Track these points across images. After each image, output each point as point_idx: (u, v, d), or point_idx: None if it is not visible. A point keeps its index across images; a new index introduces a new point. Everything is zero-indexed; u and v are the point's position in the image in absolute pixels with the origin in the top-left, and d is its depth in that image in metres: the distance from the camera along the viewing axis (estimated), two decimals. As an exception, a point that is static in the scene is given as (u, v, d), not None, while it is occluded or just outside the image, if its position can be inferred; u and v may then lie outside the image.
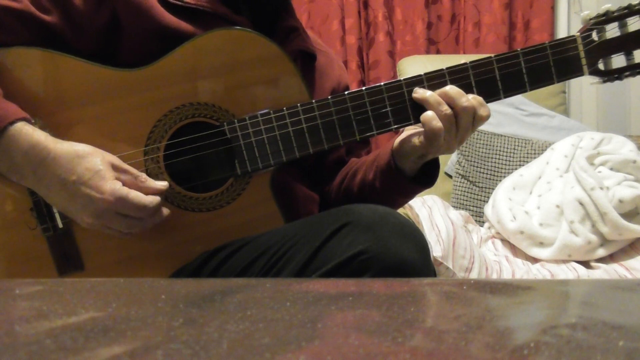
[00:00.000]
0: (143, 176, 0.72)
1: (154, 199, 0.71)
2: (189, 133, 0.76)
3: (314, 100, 0.76)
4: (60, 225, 0.75)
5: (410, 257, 0.62)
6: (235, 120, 0.75)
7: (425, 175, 0.83)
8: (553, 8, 2.29)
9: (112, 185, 0.68)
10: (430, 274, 0.66)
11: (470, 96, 0.74)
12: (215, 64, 0.75)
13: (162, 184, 0.73)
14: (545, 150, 1.76)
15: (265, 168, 0.77)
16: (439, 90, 0.75)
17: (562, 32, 2.31)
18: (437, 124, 0.73)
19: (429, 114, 0.74)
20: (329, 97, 0.76)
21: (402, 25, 2.26)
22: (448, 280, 0.88)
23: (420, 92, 0.75)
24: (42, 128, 0.70)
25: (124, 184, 0.70)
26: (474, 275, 1.29)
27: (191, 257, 0.76)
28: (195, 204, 0.77)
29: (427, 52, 2.27)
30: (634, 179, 1.52)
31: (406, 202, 0.93)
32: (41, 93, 0.75)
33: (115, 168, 0.70)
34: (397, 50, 2.27)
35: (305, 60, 0.88)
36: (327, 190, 0.94)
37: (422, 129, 0.76)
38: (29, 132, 0.68)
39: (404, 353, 0.28)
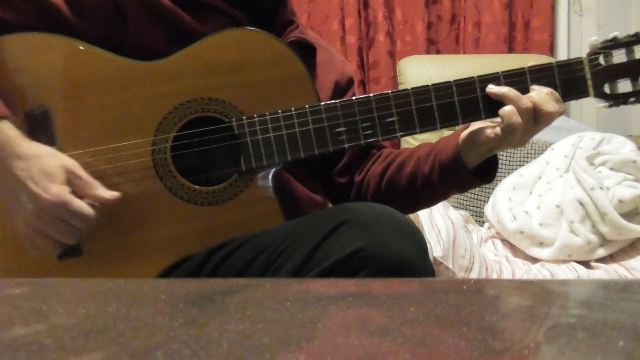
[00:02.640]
0: (95, 183, 0.71)
1: (94, 212, 0.70)
2: (198, 127, 0.77)
3: (322, 103, 0.77)
4: None
5: (409, 255, 0.63)
6: (244, 118, 0.76)
7: (485, 170, 0.84)
8: (553, 8, 2.28)
9: (59, 189, 0.68)
10: (428, 272, 0.66)
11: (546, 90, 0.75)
12: (228, 62, 0.77)
13: (112, 194, 0.72)
14: (545, 150, 1.76)
15: (269, 166, 0.77)
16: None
17: (562, 32, 2.31)
18: (517, 118, 0.74)
19: (508, 109, 0.74)
20: (337, 100, 0.77)
21: (402, 25, 2.26)
22: (448, 281, 0.88)
23: (495, 88, 0.76)
24: (20, 127, 0.71)
25: (74, 188, 0.70)
26: (473, 275, 1.30)
27: (189, 250, 0.77)
28: (197, 196, 0.77)
29: (427, 52, 2.27)
30: (634, 179, 1.52)
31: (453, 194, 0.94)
32: (55, 79, 0.76)
33: (68, 172, 0.70)
34: (397, 50, 2.27)
35: (304, 53, 0.89)
36: (360, 180, 0.92)
37: (493, 123, 0.77)
38: (3, 130, 0.70)
39: (404, 353, 0.28)
